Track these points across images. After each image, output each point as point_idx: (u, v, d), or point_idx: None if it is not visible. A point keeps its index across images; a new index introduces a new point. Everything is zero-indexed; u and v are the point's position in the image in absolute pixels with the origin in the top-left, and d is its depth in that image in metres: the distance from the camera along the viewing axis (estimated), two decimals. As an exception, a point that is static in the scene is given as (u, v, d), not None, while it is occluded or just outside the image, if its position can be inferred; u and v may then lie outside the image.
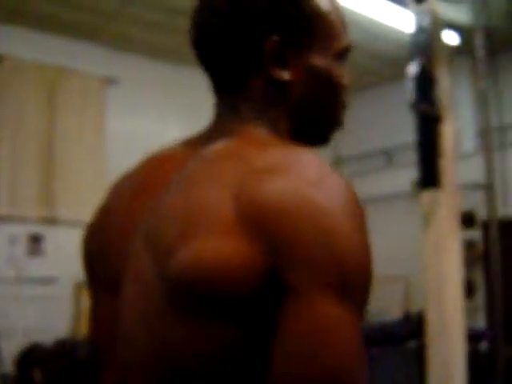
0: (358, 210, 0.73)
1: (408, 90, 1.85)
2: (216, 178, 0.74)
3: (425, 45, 2.09)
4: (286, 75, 0.86)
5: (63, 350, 3.73)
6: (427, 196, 2.13)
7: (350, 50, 0.95)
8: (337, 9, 0.95)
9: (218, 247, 0.68)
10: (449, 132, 2.08)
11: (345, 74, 0.94)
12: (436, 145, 2.06)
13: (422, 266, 2.18)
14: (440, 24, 2.27)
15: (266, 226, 0.68)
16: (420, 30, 2.11)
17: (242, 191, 0.71)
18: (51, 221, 8.81)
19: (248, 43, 0.86)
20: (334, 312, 0.66)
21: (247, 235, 0.68)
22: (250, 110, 0.89)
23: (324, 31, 0.90)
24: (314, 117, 0.94)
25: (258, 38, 0.85)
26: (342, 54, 0.93)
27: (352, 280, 0.68)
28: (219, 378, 0.69)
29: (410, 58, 2.10)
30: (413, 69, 1.95)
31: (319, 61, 0.89)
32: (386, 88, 11.33)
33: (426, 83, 2.05)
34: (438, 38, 2.20)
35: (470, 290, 6.30)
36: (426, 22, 2.18)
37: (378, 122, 11.20)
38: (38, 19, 8.57)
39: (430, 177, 2.09)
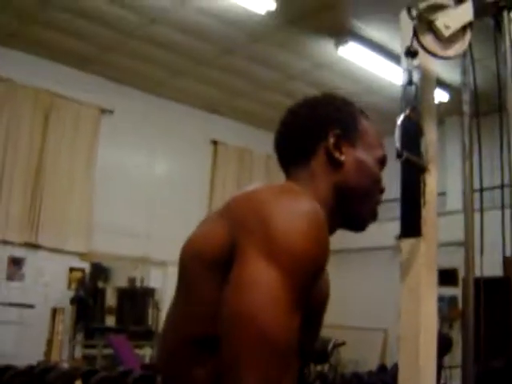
0: (301, 220, 1.03)
1: (396, 139, 1.90)
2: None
3: (414, 97, 2.15)
4: (341, 157, 1.28)
5: (34, 372, 3.69)
6: (407, 244, 2.17)
7: (385, 163, 1.37)
8: (376, 131, 1.38)
9: (206, 230, 1.14)
10: (433, 183, 2.13)
11: (382, 179, 1.36)
12: (420, 194, 2.10)
13: (399, 313, 2.20)
14: (430, 79, 2.34)
15: (230, 216, 1.09)
16: (410, 83, 2.17)
17: (228, 201, 1.15)
18: (33, 246, 8.77)
19: (319, 134, 1.29)
20: (257, 268, 0.98)
21: (222, 222, 1.09)
22: (304, 175, 1.28)
23: (369, 140, 1.33)
24: (353, 197, 1.29)
25: (326, 131, 1.28)
26: (381, 161, 1.34)
27: (278, 251, 0.98)
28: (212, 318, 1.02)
29: (400, 110, 2.16)
30: (401, 119, 2.01)
31: (365, 157, 1.30)
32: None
33: (412, 134, 2.11)
34: (428, 92, 2.27)
35: (448, 346, 6.29)
36: (416, 76, 2.24)
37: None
38: (35, 45, 8.69)
39: (411, 225, 2.13)
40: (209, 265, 1.07)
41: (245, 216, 1.05)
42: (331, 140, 1.27)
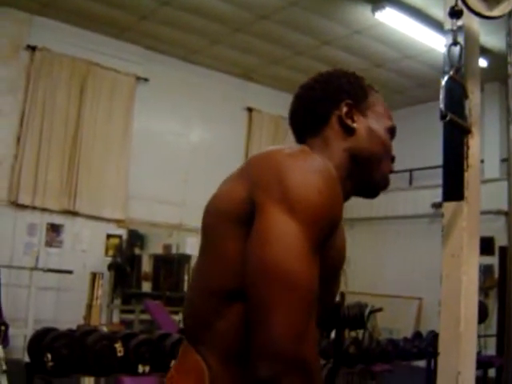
0: (316, 177, 1.10)
1: (440, 100, 1.86)
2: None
3: (458, 58, 2.11)
4: (353, 124, 1.37)
5: (75, 335, 3.75)
6: (449, 208, 2.14)
7: (395, 133, 1.45)
8: (385, 104, 1.46)
9: (227, 189, 1.20)
10: (476, 146, 2.09)
11: (392, 148, 1.44)
12: (463, 156, 2.07)
13: (440, 278, 2.18)
14: (474, 40, 2.28)
15: (249, 174, 1.16)
16: (455, 43, 2.12)
17: (247, 161, 1.24)
18: (71, 213, 8.90)
19: (333, 104, 1.38)
20: (277, 221, 1.05)
21: (242, 181, 1.16)
22: (318, 143, 1.37)
23: (379, 111, 1.42)
24: (366, 162, 1.37)
25: (339, 101, 1.38)
26: (390, 131, 1.42)
27: (296, 204, 1.06)
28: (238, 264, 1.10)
29: (443, 71, 2.11)
30: (445, 80, 1.96)
31: (374, 125, 1.39)
32: (414, 110, 11.35)
33: (456, 96, 2.06)
34: (472, 53, 2.22)
35: (484, 315, 6.24)
36: (461, 36, 2.18)
37: (404, 142, 11.21)
38: (72, 13, 8.70)
39: (454, 189, 2.10)
40: (231, 222, 1.14)
41: (263, 174, 1.13)
42: (344, 109, 1.37)
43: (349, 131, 1.36)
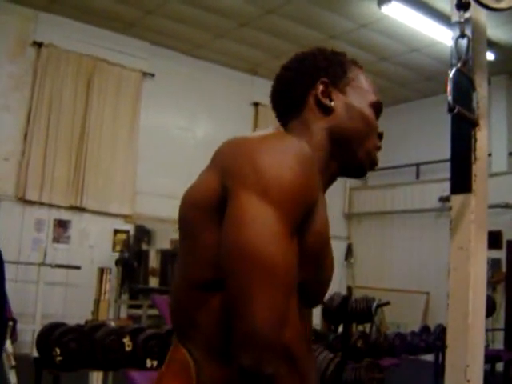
0: (287, 158, 1.08)
1: (447, 93, 1.86)
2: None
3: (465, 51, 2.10)
4: (331, 103, 1.32)
5: (83, 330, 3.77)
6: (457, 201, 2.13)
7: (381, 109, 1.39)
8: (369, 78, 1.41)
9: (199, 180, 1.19)
10: (484, 138, 2.09)
11: (378, 125, 1.38)
12: (470, 149, 2.06)
13: (448, 271, 2.18)
14: (481, 32, 2.27)
15: (218, 162, 1.15)
16: (462, 36, 2.12)
17: (215, 151, 1.21)
18: (78, 209, 8.92)
19: (308, 83, 1.34)
20: (249, 205, 1.03)
21: (212, 170, 1.15)
22: (297, 126, 1.34)
23: (361, 86, 1.36)
24: (348, 140, 1.32)
25: (314, 80, 1.33)
26: (375, 106, 1.37)
27: (268, 186, 1.04)
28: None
29: (450, 64, 2.11)
30: (453, 73, 1.96)
31: (355, 102, 1.33)
32: (420, 103, 11.33)
33: (464, 88, 2.06)
34: (479, 46, 2.21)
35: (492, 309, 6.23)
36: (468, 29, 2.18)
37: (411, 136, 11.19)
38: (77, 9, 8.71)
39: (461, 181, 2.09)
40: (205, 211, 1.13)
41: (232, 159, 1.11)
42: (320, 87, 1.33)
43: (326, 110, 1.32)
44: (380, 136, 1.39)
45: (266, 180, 1.04)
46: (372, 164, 1.38)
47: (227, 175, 1.09)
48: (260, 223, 1.01)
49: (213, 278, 1.11)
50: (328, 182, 1.34)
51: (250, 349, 0.98)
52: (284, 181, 1.05)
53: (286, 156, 1.08)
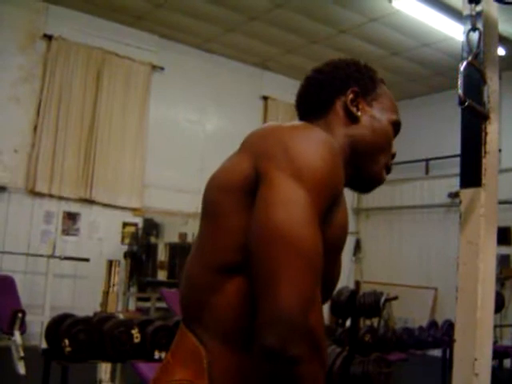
0: (319, 146, 1.12)
1: (458, 86, 1.85)
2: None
3: (477, 44, 2.09)
4: (357, 112, 1.37)
5: (92, 321, 3.79)
6: (467, 195, 2.13)
7: (399, 129, 1.44)
8: (394, 98, 1.46)
9: (230, 164, 1.20)
10: (494, 132, 2.08)
11: (392, 144, 1.44)
12: (481, 143, 2.06)
13: (456, 265, 2.17)
14: (493, 26, 2.26)
15: (252, 148, 1.16)
16: (473, 29, 2.11)
17: (246, 138, 1.23)
18: (87, 201, 8.95)
19: (339, 89, 1.39)
20: (282, 188, 1.05)
21: (244, 155, 1.16)
22: (320, 124, 1.34)
23: (385, 103, 1.41)
24: (366, 152, 1.37)
25: (345, 87, 1.38)
26: (395, 125, 1.42)
27: (301, 171, 1.06)
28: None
29: (461, 57, 2.10)
30: (464, 66, 1.95)
31: (379, 115, 1.39)
32: (431, 98, 11.28)
33: (474, 82, 2.05)
34: (490, 39, 2.20)
35: (500, 304, 6.22)
36: (480, 22, 2.17)
37: (421, 132, 11.15)
38: (87, 2, 8.74)
39: (471, 175, 2.09)
40: (234, 194, 1.13)
41: (266, 145, 1.13)
42: (350, 96, 1.37)
43: (352, 119, 1.36)
44: (393, 156, 1.45)
45: (299, 165, 1.07)
46: (380, 180, 1.43)
47: (260, 158, 1.11)
48: (293, 205, 1.03)
49: (235, 261, 1.11)
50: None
51: (277, 329, 0.97)
52: (316, 168, 1.08)
53: (317, 145, 1.12)
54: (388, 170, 1.44)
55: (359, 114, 1.37)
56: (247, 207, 1.10)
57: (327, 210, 1.10)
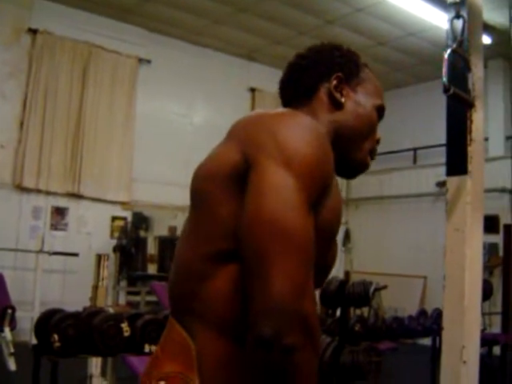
0: (307, 132, 1.11)
1: (443, 74, 1.85)
2: None
3: (461, 31, 2.09)
4: (341, 98, 1.36)
5: (81, 316, 3.77)
6: (453, 182, 2.13)
7: (383, 113, 1.42)
8: (379, 82, 1.44)
9: (217, 153, 1.19)
10: (480, 120, 2.08)
11: (377, 129, 1.42)
12: (466, 131, 2.06)
13: (444, 253, 2.18)
14: (477, 13, 2.26)
15: (240, 136, 1.15)
16: (457, 16, 2.11)
17: (232, 127, 1.22)
18: (75, 196, 8.91)
19: (322, 75, 1.37)
20: (273, 175, 1.04)
21: (232, 143, 1.15)
22: (304, 111, 1.30)
23: (370, 88, 1.40)
24: (349, 138, 1.35)
25: (329, 73, 1.37)
26: (379, 110, 1.40)
27: (291, 159, 1.06)
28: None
29: (446, 45, 2.10)
30: (448, 53, 1.95)
31: (363, 100, 1.37)
32: (417, 87, 11.30)
33: (459, 69, 2.05)
34: (474, 27, 2.20)
35: (489, 292, 6.24)
36: (464, 10, 2.17)
37: (408, 121, 11.17)
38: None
39: (457, 163, 2.09)
40: (223, 183, 1.13)
41: (254, 132, 1.13)
42: (333, 82, 1.36)
43: (336, 105, 1.36)
44: (377, 141, 1.43)
45: (288, 152, 1.07)
46: (364, 166, 1.41)
47: (249, 146, 1.11)
48: (282, 191, 1.03)
49: (226, 248, 1.11)
50: None
51: (270, 317, 0.96)
52: (305, 154, 1.07)
53: (305, 131, 1.12)
54: (372, 156, 1.42)
55: (343, 100, 1.36)
56: (237, 195, 1.09)
57: (319, 195, 1.10)
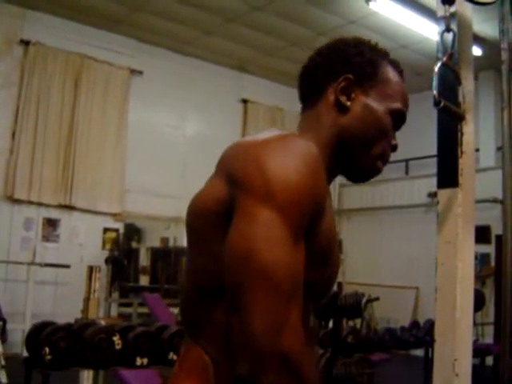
0: (293, 160, 1.05)
1: (433, 87, 1.86)
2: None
3: (451, 44, 2.10)
4: (347, 102, 1.25)
5: (73, 328, 3.76)
6: (444, 195, 2.14)
7: (404, 118, 1.33)
8: (403, 85, 1.34)
9: (206, 187, 1.16)
10: (470, 132, 2.09)
11: (394, 137, 1.33)
12: (457, 143, 2.07)
13: (435, 265, 2.18)
14: (467, 26, 2.28)
15: (224, 168, 1.13)
16: (447, 30, 2.12)
17: (221, 156, 1.18)
18: (67, 207, 8.89)
19: (332, 75, 1.27)
20: (254, 210, 1.00)
21: (218, 177, 1.13)
22: (311, 115, 1.29)
23: (388, 91, 1.27)
24: (354, 146, 1.26)
25: (338, 74, 1.26)
26: (397, 115, 1.29)
27: (273, 191, 1.01)
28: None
29: (436, 58, 2.11)
30: (438, 66, 1.96)
31: (375, 104, 1.26)
32: (409, 99, 11.32)
33: (449, 82, 2.06)
34: (465, 40, 2.22)
35: (481, 303, 6.25)
36: (454, 23, 2.18)
37: (400, 132, 11.18)
38: (64, 7, 8.68)
39: (448, 175, 2.10)
40: (212, 221, 1.10)
41: (239, 166, 1.08)
42: (342, 84, 1.26)
43: (341, 108, 1.26)
44: (393, 148, 1.33)
45: (271, 185, 1.02)
46: (373, 172, 1.31)
47: (233, 183, 1.07)
48: (261, 230, 0.99)
49: (219, 284, 1.08)
50: (330, 179, 1.29)
51: (246, 358, 0.96)
52: (290, 184, 1.02)
53: (292, 159, 1.05)
54: (384, 161, 1.32)
55: (349, 103, 1.25)
56: (225, 232, 1.06)
57: (312, 219, 1.06)
